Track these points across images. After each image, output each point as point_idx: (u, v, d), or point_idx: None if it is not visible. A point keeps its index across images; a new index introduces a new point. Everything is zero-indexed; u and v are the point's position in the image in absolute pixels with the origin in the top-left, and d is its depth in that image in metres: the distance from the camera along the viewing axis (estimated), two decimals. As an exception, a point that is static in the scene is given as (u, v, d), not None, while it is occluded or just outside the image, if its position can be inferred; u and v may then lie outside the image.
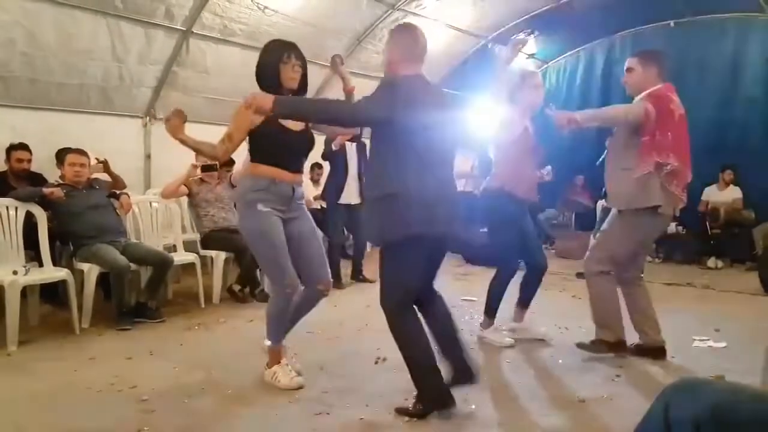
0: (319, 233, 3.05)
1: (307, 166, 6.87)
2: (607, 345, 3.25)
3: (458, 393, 2.76)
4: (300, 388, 2.76)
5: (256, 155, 2.74)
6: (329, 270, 2.94)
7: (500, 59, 3.28)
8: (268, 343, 2.86)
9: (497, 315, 3.65)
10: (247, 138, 2.71)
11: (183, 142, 2.63)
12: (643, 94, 3.18)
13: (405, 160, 2.41)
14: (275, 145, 2.70)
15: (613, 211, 3.36)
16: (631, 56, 3.32)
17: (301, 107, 2.53)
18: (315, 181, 6.78)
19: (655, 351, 3.29)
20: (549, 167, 3.92)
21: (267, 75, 2.73)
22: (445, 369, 2.54)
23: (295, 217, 2.81)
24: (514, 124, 3.45)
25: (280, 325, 2.80)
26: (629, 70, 3.26)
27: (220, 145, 2.72)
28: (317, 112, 2.53)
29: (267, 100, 2.37)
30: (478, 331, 3.68)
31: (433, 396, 2.48)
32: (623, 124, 3.21)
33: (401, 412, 2.51)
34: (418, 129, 2.40)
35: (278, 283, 2.74)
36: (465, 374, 2.56)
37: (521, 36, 3.33)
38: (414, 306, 2.55)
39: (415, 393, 2.51)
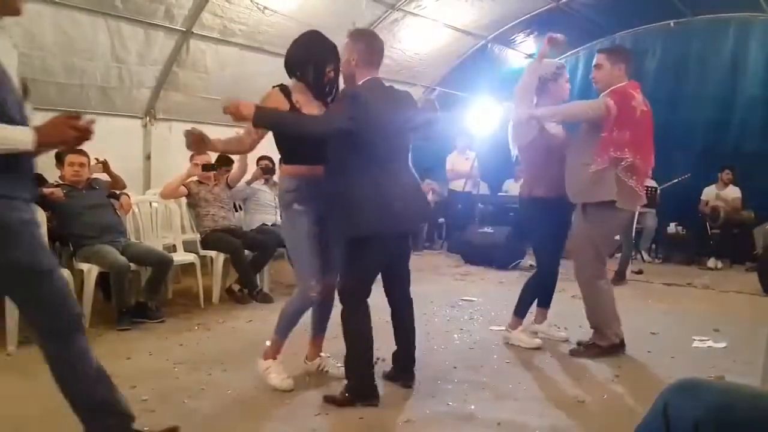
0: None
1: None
2: (600, 349, 3.30)
3: (458, 393, 2.77)
4: (290, 390, 2.75)
5: (285, 153, 2.77)
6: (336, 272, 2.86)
7: (539, 53, 3.32)
8: (267, 343, 2.88)
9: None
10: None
11: (213, 149, 2.78)
12: (607, 90, 3.23)
13: (364, 160, 2.54)
14: (300, 141, 2.64)
15: (576, 210, 3.37)
16: (598, 53, 3.38)
17: (279, 120, 2.54)
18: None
19: (612, 348, 3.31)
20: None
21: (309, 67, 2.70)
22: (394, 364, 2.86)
23: (326, 216, 2.75)
24: (526, 125, 3.35)
25: (291, 324, 2.80)
26: (597, 66, 3.32)
27: (247, 137, 2.73)
28: (293, 126, 2.55)
29: (248, 110, 2.39)
30: (505, 332, 3.62)
31: (362, 389, 2.61)
32: (585, 120, 3.28)
33: (328, 399, 2.62)
34: (379, 133, 2.54)
35: (303, 283, 2.73)
36: (399, 373, 2.85)
37: (557, 35, 3.34)
38: (368, 304, 2.66)
39: (346, 383, 2.63)
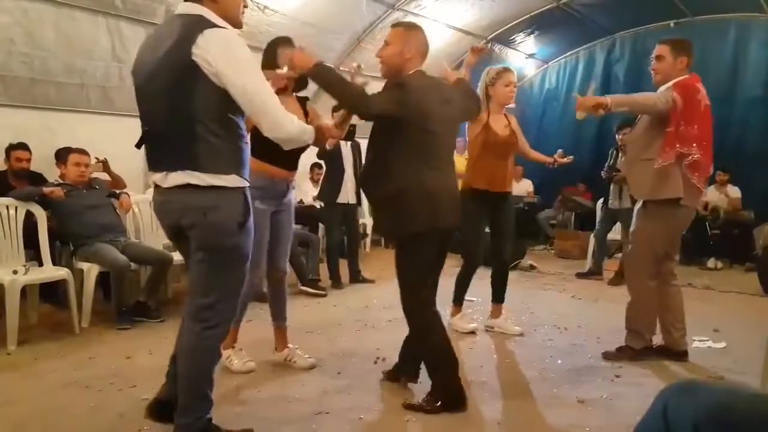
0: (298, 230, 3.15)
1: (306, 165, 6.93)
2: (635, 352, 3.24)
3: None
4: (251, 372, 2.90)
5: (256, 151, 2.63)
6: (287, 262, 3.10)
7: (465, 63, 3.32)
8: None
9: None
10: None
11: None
12: (670, 83, 3.10)
13: (412, 156, 2.48)
14: (273, 143, 2.65)
15: (637, 208, 3.32)
16: (661, 43, 3.19)
17: (333, 81, 2.43)
18: (315, 181, 6.77)
19: (677, 354, 3.24)
20: (560, 150, 4.07)
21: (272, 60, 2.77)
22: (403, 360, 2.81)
23: (283, 209, 2.93)
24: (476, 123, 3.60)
25: (240, 312, 2.91)
26: (659, 57, 3.15)
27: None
28: (342, 93, 2.44)
29: (309, 61, 2.38)
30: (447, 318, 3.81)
31: (449, 395, 2.52)
32: (651, 112, 3.11)
33: (410, 408, 2.54)
34: (426, 126, 2.48)
35: (250, 273, 2.79)
36: (407, 372, 2.78)
37: (481, 45, 3.39)
38: (434, 302, 2.61)
39: (428, 390, 2.57)
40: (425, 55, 2.61)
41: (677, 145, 3.01)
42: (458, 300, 3.88)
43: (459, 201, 2.67)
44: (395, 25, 2.68)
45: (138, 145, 2.10)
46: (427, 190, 2.49)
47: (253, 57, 1.94)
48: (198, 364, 2.07)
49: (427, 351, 2.61)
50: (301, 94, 3.02)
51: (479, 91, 3.63)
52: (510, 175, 3.79)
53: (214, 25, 1.89)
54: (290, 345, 3.12)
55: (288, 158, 2.69)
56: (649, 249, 3.19)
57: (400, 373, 2.82)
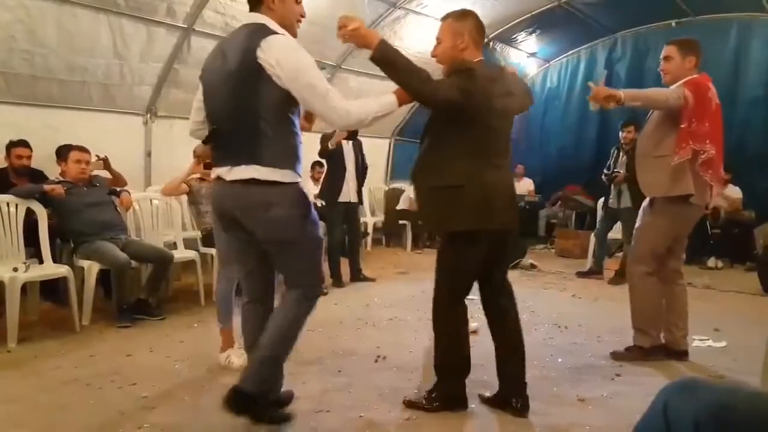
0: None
1: (307, 164, 6.91)
2: (644, 351, 3.23)
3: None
4: None
5: None
6: None
7: None
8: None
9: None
10: None
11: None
12: (680, 82, 3.11)
13: (470, 150, 2.37)
14: None
15: (644, 205, 3.32)
16: (669, 44, 3.22)
17: (397, 61, 2.27)
18: (316, 180, 6.77)
19: (677, 353, 3.25)
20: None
21: None
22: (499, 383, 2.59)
23: None
24: None
25: (228, 308, 3.03)
26: (667, 58, 3.18)
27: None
28: (406, 76, 2.27)
29: (373, 39, 2.25)
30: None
31: (445, 395, 2.52)
32: (663, 108, 3.12)
33: (410, 405, 2.55)
34: (489, 119, 2.37)
35: (224, 267, 3.03)
36: (511, 394, 2.52)
37: None
38: (465, 307, 2.53)
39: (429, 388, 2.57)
40: (480, 42, 2.49)
41: (691, 142, 3.01)
42: None
43: (516, 202, 2.54)
44: (444, 18, 2.54)
45: (205, 142, 2.30)
46: (483, 188, 2.35)
47: (310, 58, 2.12)
48: (288, 335, 2.23)
49: (444, 350, 2.53)
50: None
51: None
52: None
53: (275, 32, 2.10)
54: (235, 345, 3.08)
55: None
56: (650, 245, 3.20)
57: (508, 396, 2.54)
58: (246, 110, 2.09)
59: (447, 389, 2.53)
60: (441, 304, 2.51)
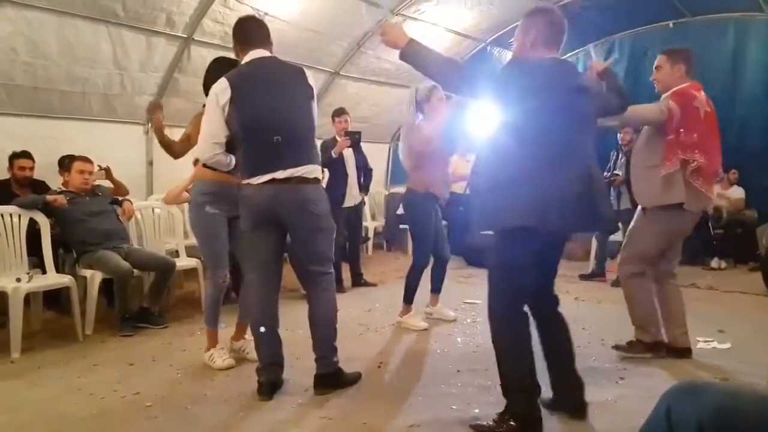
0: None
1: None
2: (645, 346, 3.28)
3: (462, 397, 2.77)
4: (230, 368, 3.11)
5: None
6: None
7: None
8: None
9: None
10: None
11: (161, 138, 3.36)
12: (669, 92, 3.21)
13: (525, 145, 2.23)
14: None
15: (638, 209, 3.39)
16: (661, 53, 3.32)
17: (427, 57, 2.31)
18: (316, 184, 6.77)
19: (679, 351, 3.29)
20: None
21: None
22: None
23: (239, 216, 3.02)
24: (431, 140, 3.79)
25: (215, 312, 3.18)
26: (657, 68, 3.28)
27: (179, 144, 3.25)
28: (442, 71, 2.33)
29: (402, 38, 2.32)
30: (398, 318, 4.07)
31: (525, 417, 2.32)
32: (650, 123, 3.22)
33: (479, 429, 2.39)
34: (543, 115, 2.21)
35: (213, 274, 3.16)
36: (565, 402, 2.49)
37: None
38: (526, 314, 2.39)
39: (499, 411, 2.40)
40: (550, 40, 2.35)
41: (679, 152, 3.09)
42: (409, 299, 4.06)
43: (575, 204, 2.23)
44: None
45: (271, 151, 2.67)
46: (537, 186, 2.19)
47: None
48: (333, 313, 2.82)
49: (508, 367, 2.35)
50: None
51: (410, 107, 3.90)
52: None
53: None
54: (246, 337, 3.27)
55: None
56: (640, 249, 3.29)
57: (559, 409, 2.50)
58: (306, 124, 2.72)
59: (519, 409, 2.33)
60: (496, 314, 2.37)
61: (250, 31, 2.80)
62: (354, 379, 2.90)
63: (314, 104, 2.75)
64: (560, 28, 2.39)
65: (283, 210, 2.66)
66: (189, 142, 3.18)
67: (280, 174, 2.62)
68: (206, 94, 2.80)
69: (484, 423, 2.40)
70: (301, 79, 2.74)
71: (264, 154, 2.64)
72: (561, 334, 2.52)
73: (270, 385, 2.75)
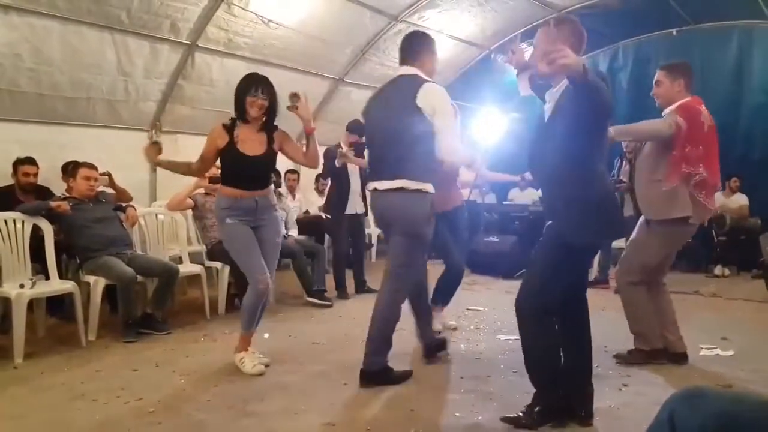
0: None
1: (311, 177, 6.96)
2: (644, 354, 3.31)
3: (465, 404, 2.76)
4: (261, 375, 3.10)
5: (222, 176, 3.24)
6: (271, 274, 3.26)
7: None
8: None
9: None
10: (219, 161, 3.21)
11: (158, 164, 3.40)
12: (673, 107, 3.23)
13: (597, 158, 2.35)
14: (233, 169, 3.15)
15: (641, 220, 3.41)
16: (659, 69, 3.36)
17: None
18: (320, 191, 6.80)
19: (675, 356, 3.32)
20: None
21: (236, 104, 3.13)
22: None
23: (263, 224, 3.21)
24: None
25: (252, 316, 3.18)
26: (657, 83, 3.32)
27: (196, 164, 3.26)
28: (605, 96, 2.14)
29: (579, 63, 1.96)
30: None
31: (548, 409, 2.47)
32: (657, 139, 3.26)
33: (509, 421, 2.48)
34: (605, 126, 2.38)
35: (252, 279, 3.14)
36: (577, 403, 2.53)
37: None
38: (551, 316, 2.46)
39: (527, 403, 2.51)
40: (578, 49, 2.28)
41: (683, 166, 3.13)
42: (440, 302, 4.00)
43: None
44: (542, 26, 2.49)
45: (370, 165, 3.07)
46: (612, 200, 2.35)
47: (449, 104, 2.90)
48: (390, 314, 3.04)
49: (534, 363, 2.48)
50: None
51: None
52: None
53: (426, 80, 2.89)
54: (249, 349, 3.25)
55: (248, 182, 3.14)
56: (642, 260, 3.31)
57: (569, 411, 2.54)
58: (406, 139, 2.83)
59: (547, 405, 2.47)
60: (530, 311, 2.43)
61: (401, 49, 3.04)
62: (402, 377, 3.02)
63: (424, 119, 2.78)
64: (584, 38, 2.42)
65: (388, 214, 3.02)
66: (203, 162, 3.25)
67: (377, 184, 3.00)
68: None
69: (514, 415, 2.49)
70: (406, 92, 2.85)
71: (374, 164, 3.11)
72: (585, 336, 2.59)
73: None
